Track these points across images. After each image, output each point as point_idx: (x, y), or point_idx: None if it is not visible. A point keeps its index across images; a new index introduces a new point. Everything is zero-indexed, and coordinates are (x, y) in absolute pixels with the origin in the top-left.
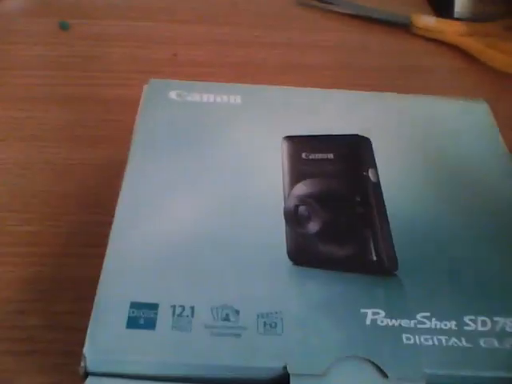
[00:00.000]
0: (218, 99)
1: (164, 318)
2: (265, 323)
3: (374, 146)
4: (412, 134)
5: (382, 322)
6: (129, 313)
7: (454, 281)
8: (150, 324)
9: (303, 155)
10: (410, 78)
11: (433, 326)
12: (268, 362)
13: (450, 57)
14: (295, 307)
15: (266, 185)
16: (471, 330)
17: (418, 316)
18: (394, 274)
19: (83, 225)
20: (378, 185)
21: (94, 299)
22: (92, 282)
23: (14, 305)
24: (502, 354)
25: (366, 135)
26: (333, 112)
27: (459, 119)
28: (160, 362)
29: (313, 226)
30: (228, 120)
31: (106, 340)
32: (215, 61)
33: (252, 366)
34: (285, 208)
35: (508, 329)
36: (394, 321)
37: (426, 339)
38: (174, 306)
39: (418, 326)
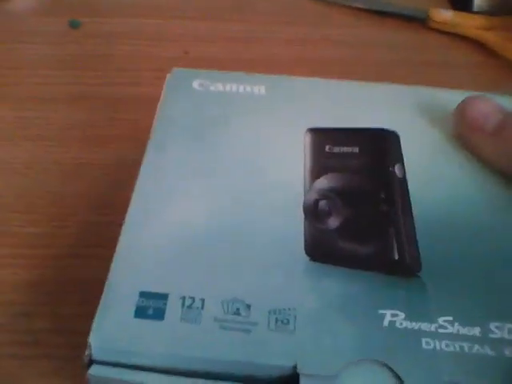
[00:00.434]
0: (242, 89)
1: (173, 309)
2: (276, 319)
3: (401, 140)
4: (440, 129)
5: (400, 324)
6: (138, 302)
7: (480, 284)
8: (159, 314)
9: (327, 148)
10: (427, 73)
11: (455, 332)
12: (277, 360)
13: (469, 51)
14: (309, 304)
15: (286, 178)
16: (496, 338)
17: (440, 320)
18: (417, 275)
19: (91, 226)
20: (404, 181)
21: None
22: (99, 285)
23: (18, 307)
24: None
25: (394, 129)
26: (361, 104)
27: None
28: (167, 354)
29: (333, 222)
30: (251, 111)
31: (112, 328)
32: (227, 57)
33: (260, 363)
34: (304, 202)
35: None
36: (413, 324)
37: (446, 345)
38: (183, 298)
39: (439, 330)
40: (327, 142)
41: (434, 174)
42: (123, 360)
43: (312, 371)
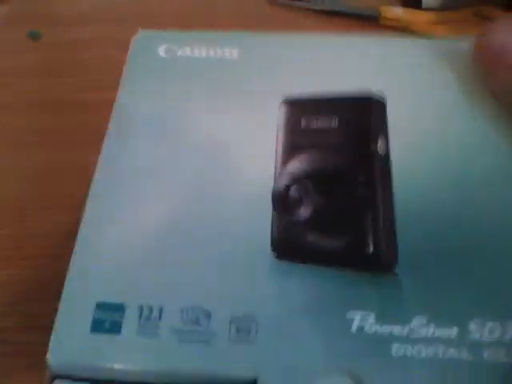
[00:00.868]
0: (212, 53)
1: (130, 321)
2: (238, 329)
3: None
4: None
5: (370, 328)
6: (94, 315)
7: (461, 278)
8: (116, 328)
9: (302, 123)
10: None
11: (429, 334)
12: (238, 373)
13: None
14: (273, 310)
15: (257, 166)
16: (475, 340)
17: (414, 321)
18: (393, 271)
19: (58, 225)
20: (386, 159)
21: None
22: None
23: None
24: (507, 370)
25: (380, 93)
26: (345, 59)
27: None
28: (126, 370)
29: (303, 212)
30: (220, 84)
31: (70, 344)
32: None
33: (220, 376)
34: (273, 188)
35: None
36: (384, 327)
37: (419, 350)
38: (141, 307)
39: (412, 333)
40: (303, 116)
41: (421, 146)
42: (85, 374)
43: None
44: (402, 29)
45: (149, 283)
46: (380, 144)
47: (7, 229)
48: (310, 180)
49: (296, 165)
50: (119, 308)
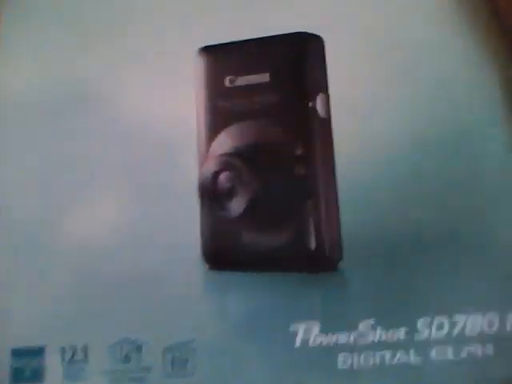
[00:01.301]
0: None
1: (53, 365)
2: (173, 360)
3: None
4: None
5: (314, 340)
6: (11, 363)
7: (410, 274)
8: (37, 375)
9: (227, 81)
10: None
11: (376, 339)
12: None
13: None
14: (211, 334)
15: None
16: (423, 340)
17: (361, 326)
18: (337, 268)
19: None
20: (327, 122)
21: None
22: None
23: None
24: (455, 369)
25: (317, 32)
26: None
27: None
28: None
29: (237, 204)
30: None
31: None
32: None
33: None
34: (199, 178)
35: (468, 332)
36: (329, 337)
37: (365, 358)
38: (63, 349)
39: (359, 341)
40: (228, 70)
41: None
42: None
43: None
44: None
45: (68, 320)
46: (318, 102)
47: None
48: (244, 161)
49: (225, 141)
50: (38, 352)
